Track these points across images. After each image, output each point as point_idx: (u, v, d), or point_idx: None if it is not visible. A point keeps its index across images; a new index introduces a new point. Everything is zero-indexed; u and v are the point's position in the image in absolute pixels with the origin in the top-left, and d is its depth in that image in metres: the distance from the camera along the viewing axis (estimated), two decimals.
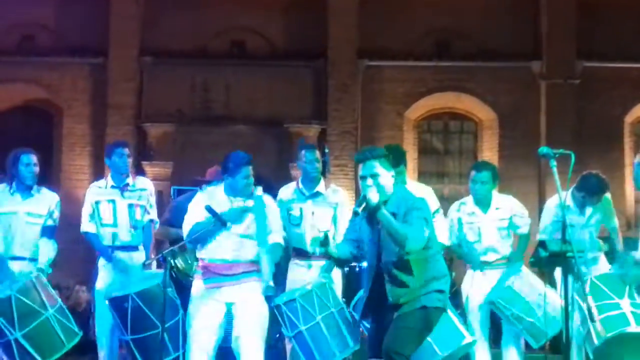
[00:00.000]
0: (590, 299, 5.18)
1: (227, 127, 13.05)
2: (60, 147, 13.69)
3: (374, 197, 4.40)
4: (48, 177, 12.78)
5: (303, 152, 6.17)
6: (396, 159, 5.43)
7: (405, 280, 4.49)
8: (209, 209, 5.10)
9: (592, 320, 5.07)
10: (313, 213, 5.99)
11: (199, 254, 5.26)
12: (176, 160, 13.16)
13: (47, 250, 5.88)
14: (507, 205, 6.15)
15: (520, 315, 5.79)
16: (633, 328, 5.08)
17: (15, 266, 5.79)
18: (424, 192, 5.74)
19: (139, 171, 13.09)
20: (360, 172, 4.57)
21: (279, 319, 5.51)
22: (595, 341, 5.13)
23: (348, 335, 5.37)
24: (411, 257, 4.46)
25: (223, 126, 13.06)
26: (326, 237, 4.92)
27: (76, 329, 5.50)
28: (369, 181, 4.49)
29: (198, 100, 13.49)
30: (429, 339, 4.90)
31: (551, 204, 6.24)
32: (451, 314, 5.35)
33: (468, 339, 5.39)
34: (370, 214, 4.46)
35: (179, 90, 13.47)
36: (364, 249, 4.72)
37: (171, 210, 6.58)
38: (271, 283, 5.01)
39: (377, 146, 5.07)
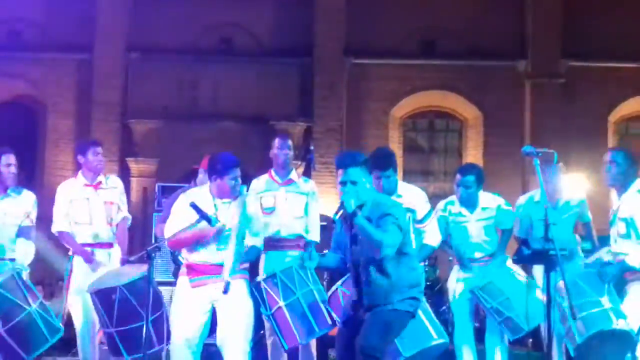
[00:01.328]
0: (567, 297, 5.23)
1: (213, 124, 13.04)
2: (45, 143, 13.63)
3: (349, 204, 4.49)
4: (32, 173, 12.76)
5: (275, 139, 6.22)
6: (386, 162, 5.46)
7: (380, 284, 4.58)
8: (194, 206, 5.10)
9: (574, 317, 5.11)
10: (286, 199, 6.03)
11: (183, 254, 5.27)
12: (162, 157, 13.14)
13: (25, 251, 5.86)
14: (493, 204, 6.20)
15: (499, 309, 5.84)
16: (614, 325, 5.12)
17: None
18: (416, 194, 5.77)
19: (124, 168, 13.09)
20: (340, 178, 4.64)
21: (258, 298, 5.49)
22: (577, 339, 5.16)
23: (327, 314, 5.39)
24: (386, 262, 4.55)
25: (209, 123, 13.05)
26: (308, 253, 4.96)
27: (58, 325, 5.50)
28: (348, 187, 4.57)
29: (184, 96, 13.47)
30: (395, 339, 4.96)
31: (522, 200, 6.35)
32: (422, 314, 5.37)
33: (438, 340, 5.40)
34: (346, 219, 4.55)
35: (165, 86, 13.44)
36: (344, 250, 4.80)
37: (169, 206, 6.59)
38: (229, 280, 5.03)
39: (359, 149, 5.16)
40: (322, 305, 5.38)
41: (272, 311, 5.39)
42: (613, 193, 5.46)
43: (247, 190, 5.26)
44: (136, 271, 5.51)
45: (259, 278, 5.49)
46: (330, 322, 5.32)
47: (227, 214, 5.15)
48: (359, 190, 4.59)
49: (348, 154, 5.05)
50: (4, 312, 5.24)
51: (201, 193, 5.28)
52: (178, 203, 5.32)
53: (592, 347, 5.14)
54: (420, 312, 5.25)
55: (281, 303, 5.35)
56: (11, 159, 5.79)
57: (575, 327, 5.14)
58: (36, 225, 5.97)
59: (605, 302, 5.16)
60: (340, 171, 4.65)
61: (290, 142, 6.21)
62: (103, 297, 5.43)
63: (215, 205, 5.17)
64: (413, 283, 4.69)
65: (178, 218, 5.21)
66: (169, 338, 5.39)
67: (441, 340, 5.40)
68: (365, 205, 4.60)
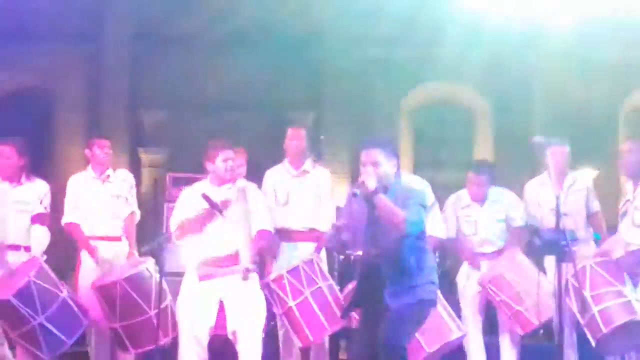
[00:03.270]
0: (588, 287, 5.22)
1: (223, 114, 13.03)
2: (54, 135, 13.66)
3: (370, 182, 4.38)
4: (41, 165, 12.77)
5: (288, 130, 6.20)
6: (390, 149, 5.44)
7: (403, 268, 4.47)
8: (205, 197, 5.11)
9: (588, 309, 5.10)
10: (300, 191, 6.00)
11: (190, 247, 5.28)
12: (172, 147, 13.14)
13: (40, 237, 5.90)
14: (503, 199, 6.19)
15: (508, 303, 5.83)
16: (639, 317, 5.11)
17: (10, 256, 5.80)
18: (420, 185, 5.76)
19: (135, 159, 13.09)
20: (362, 158, 4.55)
21: (269, 297, 5.51)
22: (602, 328, 5.14)
23: (337, 311, 5.39)
24: (407, 246, 4.46)
25: (219, 113, 13.04)
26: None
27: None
28: (369, 168, 4.47)
29: (194, 86, 13.45)
30: (417, 335, 4.92)
31: (530, 185, 6.31)
32: (440, 308, 5.37)
33: (456, 334, 5.41)
34: (366, 199, 4.44)
35: (174, 76, 13.43)
36: (357, 235, 4.70)
37: None
38: (250, 267, 5.02)
39: (380, 134, 5.07)
40: (332, 302, 5.37)
41: (283, 311, 5.40)
42: (628, 183, 5.45)
43: (262, 182, 5.27)
44: (138, 265, 5.55)
45: (267, 279, 5.50)
46: (342, 319, 5.31)
47: (230, 200, 5.16)
48: (380, 172, 4.48)
49: (371, 135, 4.99)
50: (41, 300, 5.30)
51: (203, 185, 5.31)
52: (182, 195, 5.34)
53: (614, 337, 5.14)
54: (440, 307, 5.24)
55: (291, 303, 5.35)
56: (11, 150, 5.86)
57: (599, 318, 5.12)
58: (49, 217, 6.02)
59: (628, 292, 5.16)
60: (362, 152, 4.58)
61: (303, 132, 6.16)
62: (105, 292, 5.46)
63: (216, 192, 5.20)
64: (430, 266, 4.63)
65: (182, 209, 5.23)
66: (174, 330, 5.41)
67: (461, 333, 5.42)
68: (390, 189, 4.49)
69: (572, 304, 5.34)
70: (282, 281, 5.42)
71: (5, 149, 5.89)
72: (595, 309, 5.17)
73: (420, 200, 4.50)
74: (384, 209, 4.36)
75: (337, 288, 5.63)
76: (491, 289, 5.90)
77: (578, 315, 5.30)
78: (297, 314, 5.38)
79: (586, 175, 6.11)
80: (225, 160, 5.22)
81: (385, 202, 4.36)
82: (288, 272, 5.45)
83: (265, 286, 5.47)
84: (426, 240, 4.66)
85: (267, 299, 5.47)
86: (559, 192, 5.09)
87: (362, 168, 4.51)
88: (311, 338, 5.48)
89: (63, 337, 5.37)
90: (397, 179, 4.58)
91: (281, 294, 5.42)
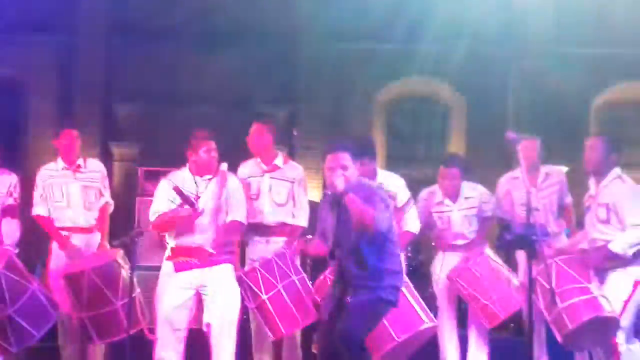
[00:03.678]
0: (554, 283, 5.26)
1: (196, 108, 12.97)
2: (27, 127, 13.53)
3: (339, 182, 4.47)
4: (14, 156, 12.65)
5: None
6: (364, 150, 5.47)
7: (364, 267, 4.57)
8: (177, 190, 5.09)
9: (556, 304, 5.14)
10: (270, 186, 6.00)
11: (167, 237, 5.26)
12: (144, 141, 13.07)
13: (11, 230, 5.85)
14: (475, 194, 6.23)
15: (476, 296, 5.88)
16: (606, 312, 5.15)
17: None
18: (396, 182, 5.78)
19: (107, 152, 13.01)
20: (328, 163, 4.62)
21: (242, 291, 5.52)
22: (569, 325, 5.18)
23: (309, 304, 5.40)
24: (369, 246, 4.55)
25: (192, 107, 12.97)
26: None
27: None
28: (338, 172, 4.55)
29: (167, 80, 13.38)
30: (385, 322, 4.96)
31: (503, 179, 6.35)
32: (411, 298, 5.40)
33: (427, 324, 5.44)
34: (335, 201, 4.54)
35: (148, 70, 13.35)
36: (327, 236, 4.78)
37: None
38: (212, 251, 5.03)
39: (343, 134, 5.17)
40: (304, 296, 5.38)
41: (256, 304, 5.40)
42: (590, 179, 5.51)
43: (230, 169, 5.27)
44: (107, 255, 5.52)
45: (240, 272, 5.50)
46: (314, 312, 5.33)
47: (208, 190, 5.15)
48: (348, 175, 4.56)
49: (338, 139, 5.07)
50: (10, 293, 5.25)
51: (182, 173, 5.31)
52: (160, 186, 5.33)
53: (581, 333, 5.19)
54: (408, 296, 5.30)
55: (263, 296, 5.36)
56: None
57: (565, 314, 5.17)
58: (20, 208, 5.97)
59: (594, 288, 5.21)
60: (329, 156, 4.64)
61: (266, 128, 6.12)
62: (72, 281, 5.43)
63: (195, 182, 5.18)
64: (396, 270, 4.71)
65: (160, 201, 5.22)
66: (142, 322, 5.40)
67: (432, 324, 5.46)
68: (351, 189, 4.59)
69: (539, 301, 5.38)
70: (255, 274, 5.42)
71: None
72: (560, 306, 5.21)
73: (382, 197, 4.59)
74: (354, 207, 4.44)
75: (309, 282, 5.63)
76: (459, 282, 5.95)
77: (544, 312, 5.35)
78: (269, 306, 5.40)
79: (559, 170, 6.14)
80: (208, 151, 5.23)
81: (355, 200, 4.44)
82: (261, 265, 5.46)
83: (238, 279, 5.46)
84: (395, 243, 4.73)
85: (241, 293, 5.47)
86: (530, 187, 5.12)
87: (329, 172, 4.60)
88: (283, 331, 5.50)
89: (32, 331, 5.33)
90: (358, 178, 4.67)
91: (254, 287, 5.43)
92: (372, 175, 5.62)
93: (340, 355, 4.50)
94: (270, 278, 5.40)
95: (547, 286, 5.21)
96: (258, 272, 5.41)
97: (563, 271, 5.32)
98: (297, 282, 5.46)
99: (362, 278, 4.57)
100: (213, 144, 5.27)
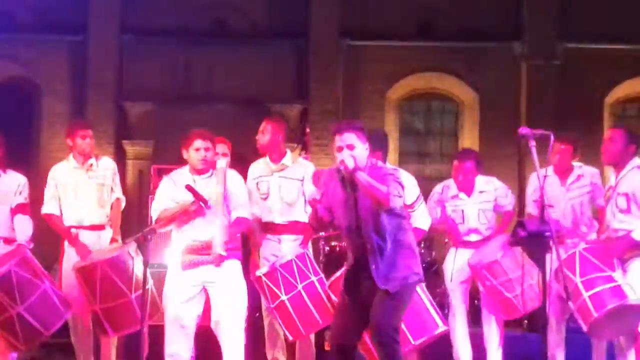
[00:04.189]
0: (578, 273, 5.25)
1: (208, 106, 13.01)
2: (40, 126, 13.60)
3: (349, 161, 4.43)
4: (27, 155, 12.70)
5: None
6: (377, 144, 5.44)
7: (387, 248, 4.50)
8: (188, 188, 5.10)
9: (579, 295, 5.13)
10: (279, 186, 5.98)
11: (173, 235, 5.27)
12: (157, 139, 13.11)
13: (24, 227, 5.86)
14: (490, 188, 6.19)
15: (500, 290, 5.85)
16: (632, 300, 5.14)
17: None
18: (406, 178, 5.76)
19: (120, 150, 13.06)
20: (336, 143, 4.58)
21: (259, 291, 5.51)
22: (595, 314, 5.17)
23: (329, 304, 5.39)
24: (390, 224, 4.49)
25: (204, 105, 13.01)
26: None
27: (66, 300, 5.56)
28: (346, 152, 4.51)
29: (179, 78, 13.42)
30: (402, 326, 4.93)
31: (534, 176, 6.25)
32: (426, 301, 5.38)
33: (441, 327, 5.43)
34: (346, 179, 4.48)
35: (160, 68, 13.39)
36: (335, 216, 4.69)
37: None
38: (223, 253, 5.02)
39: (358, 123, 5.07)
40: (324, 296, 5.36)
41: (274, 305, 5.39)
42: (610, 171, 5.49)
43: (246, 175, 5.26)
44: (120, 249, 5.52)
45: (259, 272, 5.48)
46: (333, 313, 5.31)
47: (207, 189, 5.15)
48: (356, 154, 4.53)
49: (344, 121, 4.99)
50: (20, 290, 5.26)
51: (182, 171, 5.31)
52: (162, 184, 5.34)
53: (606, 322, 5.17)
54: (424, 298, 5.27)
55: (283, 297, 5.35)
56: None
57: (590, 302, 5.15)
58: (31, 208, 5.98)
59: (618, 276, 5.19)
60: (337, 136, 4.61)
61: (271, 126, 6.07)
62: (85, 274, 5.43)
63: (194, 180, 5.19)
64: (413, 248, 4.67)
65: (162, 198, 5.23)
66: (154, 316, 5.41)
67: (445, 328, 5.45)
68: (363, 169, 4.51)
69: (563, 292, 5.34)
70: (275, 275, 5.40)
71: None
72: (586, 295, 5.19)
73: (397, 177, 4.55)
74: (365, 185, 4.40)
75: (326, 282, 5.60)
76: (484, 274, 5.90)
77: (570, 303, 5.30)
78: (289, 307, 5.36)
79: (593, 172, 6.02)
80: (197, 149, 5.22)
81: (366, 178, 4.41)
82: (281, 265, 5.43)
83: (257, 280, 5.46)
84: (409, 223, 4.69)
85: (252, 290, 5.46)
86: (543, 183, 5.08)
87: (337, 152, 4.55)
88: (303, 332, 5.48)
89: (41, 329, 5.33)
90: (370, 160, 4.62)
91: (273, 287, 5.40)
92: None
93: (354, 347, 4.50)
94: (290, 279, 5.35)
95: (572, 277, 5.20)
96: (278, 273, 5.38)
97: (587, 260, 5.29)
98: (316, 283, 5.43)
99: (389, 261, 4.47)
100: (202, 142, 5.23)
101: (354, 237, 4.60)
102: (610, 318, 5.18)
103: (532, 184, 6.15)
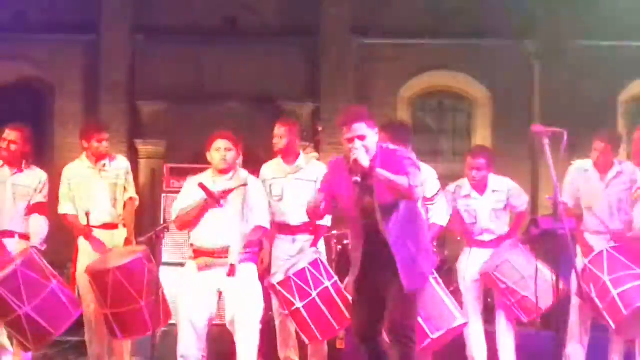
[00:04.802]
0: (606, 271, 5.23)
1: (220, 105, 13.00)
2: (53, 125, 13.64)
3: (363, 159, 4.35)
4: (40, 155, 12.74)
5: (275, 126, 6.14)
6: (400, 135, 5.42)
7: (405, 241, 4.45)
8: (202, 186, 5.11)
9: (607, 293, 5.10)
10: (293, 188, 5.97)
11: (191, 237, 5.28)
12: (170, 138, 13.13)
13: (39, 227, 5.89)
14: (503, 188, 6.17)
15: (514, 290, 5.82)
16: None
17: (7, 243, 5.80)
18: (426, 171, 5.74)
19: (133, 150, 13.08)
20: (345, 135, 4.50)
21: (274, 296, 5.52)
22: (625, 311, 5.14)
23: (344, 308, 5.38)
24: (408, 214, 4.44)
25: (216, 104, 13.01)
26: None
27: (76, 299, 5.58)
28: (357, 143, 4.43)
29: (191, 77, 13.42)
30: (419, 320, 4.91)
31: (573, 168, 6.19)
32: (443, 295, 5.37)
33: (460, 320, 5.40)
34: (364, 177, 4.38)
35: (172, 67, 13.40)
36: (341, 205, 4.63)
37: None
38: (236, 264, 5.00)
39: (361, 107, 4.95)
40: (339, 301, 5.36)
41: (290, 311, 5.39)
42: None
43: (258, 174, 5.26)
44: (133, 253, 5.52)
45: (273, 280, 5.48)
46: (349, 316, 5.30)
47: (227, 189, 5.15)
48: (367, 144, 4.45)
49: (351, 109, 4.89)
50: (28, 290, 5.27)
51: (205, 174, 5.32)
52: (185, 184, 5.36)
53: (634, 320, 5.15)
54: (440, 292, 5.25)
55: (298, 305, 5.35)
56: (12, 135, 5.88)
57: (619, 300, 5.13)
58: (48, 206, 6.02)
59: None
60: (345, 128, 4.53)
61: (285, 129, 6.06)
62: (98, 278, 5.44)
63: (214, 181, 5.20)
64: (427, 240, 4.65)
65: (183, 199, 5.24)
66: (165, 321, 5.42)
67: (464, 320, 5.43)
68: (376, 158, 4.46)
69: (591, 290, 5.30)
70: (289, 283, 5.40)
71: (15, 134, 5.91)
72: (614, 292, 5.17)
73: (410, 160, 4.48)
74: (386, 181, 4.33)
75: (340, 284, 5.58)
76: (497, 277, 5.87)
77: (597, 300, 5.26)
78: (304, 314, 5.37)
79: (634, 169, 5.96)
80: (218, 149, 5.22)
81: (386, 175, 4.33)
82: (294, 274, 5.42)
83: (270, 287, 5.47)
84: (420, 209, 4.66)
85: (264, 289, 5.46)
86: (556, 181, 5.05)
87: (348, 144, 4.46)
88: (320, 338, 5.49)
89: (50, 329, 5.33)
90: (379, 146, 4.54)
91: (287, 295, 5.41)
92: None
93: (378, 337, 4.48)
94: (304, 287, 5.35)
95: (600, 275, 5.17)
96: (292, 282, 5.38)
97: (615, 259, 5.27)
98: (330, 288, 5.42)
99: (408, 250, 4.43)
100: (223, 142, 5.22)
101: (366, 228, 4.52)
102: (635, 317, 5.15)
103: (571, 175, 6.10)
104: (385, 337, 4.61)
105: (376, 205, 4.42)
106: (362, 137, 4.44)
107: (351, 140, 4.45)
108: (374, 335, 4.55)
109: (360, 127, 4.46)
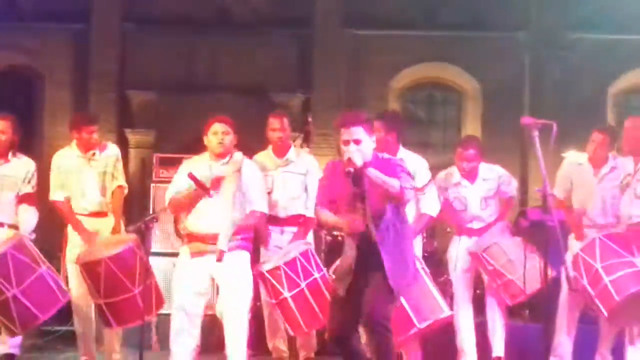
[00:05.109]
0: (599, 258, 5.25)
1: (211, 95, 12.97)
2: (42, 114, 13.59)
3: (357, 159, 4.39)
4: (29, 143, 12.69)
5: (269, 119, 6.15)
6: (393, 124, 5.44)
7: (393, 241, 4.49)
8: (191, 176, 5.10)
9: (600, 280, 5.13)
10: (283, 181, 5.98)
11: (184, 223, 5.28)
12: (159, 127, 13.10)
13: (28, 216, 5.86)
14: (493, 176, 6.18)
15: (501, 272, 5.84)
16: None
17: None
18: (417, 161, 5.76)
19: (122, 139, 13.04)
20: (342, 137, 4.53)
21: (262, 285, 5.51)
22: (617, 298, 5.17)
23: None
24: (396, 216, 4.48)
25: (207, 94, 12.98)
26: None
27: (64, 287, 5.56)
28: (352, 147, 4.47)
29: (181, 67, 13.39)
30: (407, 307, 4.93)
31: (567, 161, 6.23)
32: (432, 286, 5.38)
33: (446, 312, 5.42)
34: (355, 176, 4.42)
35: (163, 57, 13.36)
36: (339, 208, 4.66)
37: None
38: (225, 249, 5.00)
39: (361, 111, 5.01)
40: (326, 293, 5.36)
41: (277, 301, 5.39)
42: (628, 158, 5.47)
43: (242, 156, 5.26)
44: (123, 242, 5.51)
45: (262, 268, 5.48)
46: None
47: (222, 174, 5.14)
48: (362, 148, 4.50)
49: (350, 112, 4.92)
50: (17, 273, 5.26)
51: (199, 158, 5.33)
52: (180, 169, 5.36)
53: (626, 307, 5.18)
54: (428, 283, 5.27)
55: (286, 294, 5.34)
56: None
57: (611, 287, 5.15)
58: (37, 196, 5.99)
59: (639, 262, 5.20)
60: (342, 130, 4.56)
61: (281, 122, 6.07)
62: (89, 269, 5.43)
63: (210, 166, 5.19)
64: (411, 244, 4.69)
65: (176, 183, 5.24)
66: (158, 308, 5.42)
67: (450, 313, 5.45)
68: (371, 164, 4.50)
69: (583, 278, 5.32)
70: (278, 272, 5.39)
71: (2, 123, 5.87)
72: (607, 279, 5.19)
73: (402, 167, 4.54)
74: (378, 181, 4.36)
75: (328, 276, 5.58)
76: (485, 258, 5.89)
77: (589, 288, 5.28)
78: (292, 305, 5.36)
79: (627, 163, 5.98)
80: (215, 133, 5.22)
81: (377, 175, 4.38)
82: (285, 264, 5.42)
83: (259, 275, 5.46)
84: (406, 214, 4.70)
85: (254, 280, 5.46)
86: (545, 173, 5.06)
87: (344, 147, 4.51)
88: (305, 329, 5.48)
89: (37, 312, 5.33)
90: (375, 153, 4.60)
91: (276, 284, 5.40)
92: (394, 151, 5.55)
93: (353, 337, 4.49)
94: (294, 277, 5.35)
95: (592, 262, 5.20)
96: (282, 270, 5.37)
97: (607, 246, 5.29)
98: (319, 279, 5.43)
99: (399, 258, 4.47)
100: (220, 126, 5.22)
101: (365, 231, 4.56)
102: (632, 303, 5.18)
103: (564, 168, 6.12)
104: (361, 330, 4.62)
105: (368, 211, 4.46)
106: (357, 141, 4.48)
107: (347, 143, 4.48)
108: (349, 335, 4.56)
109: (357, 131, 4.50)
